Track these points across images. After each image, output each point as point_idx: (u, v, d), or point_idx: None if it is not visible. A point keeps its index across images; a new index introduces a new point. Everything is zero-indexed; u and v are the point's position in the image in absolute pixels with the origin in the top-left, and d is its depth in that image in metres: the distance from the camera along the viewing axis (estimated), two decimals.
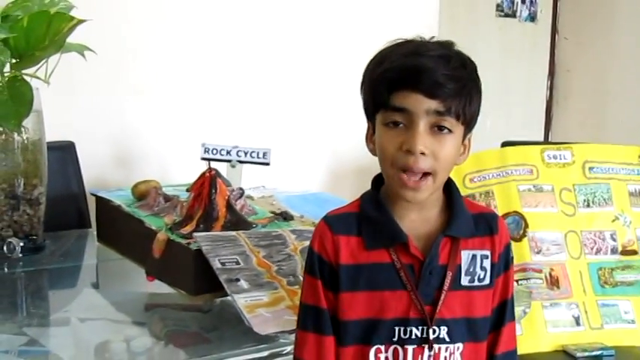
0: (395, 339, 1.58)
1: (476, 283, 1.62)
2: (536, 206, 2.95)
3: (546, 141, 4.12)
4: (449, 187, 1.63)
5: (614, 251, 2.94)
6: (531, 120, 4.51)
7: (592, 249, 2.93)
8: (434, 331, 1.58)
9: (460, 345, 1.61)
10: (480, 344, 1.64)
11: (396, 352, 1.58)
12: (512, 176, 2.98)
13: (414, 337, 1.58)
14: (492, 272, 1.64)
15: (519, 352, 2.64)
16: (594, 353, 2.71)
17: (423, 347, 1.58)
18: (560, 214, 2.94)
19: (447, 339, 1.59)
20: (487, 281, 1.63)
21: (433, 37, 1.59)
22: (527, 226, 2.90)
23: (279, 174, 2.96)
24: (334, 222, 1.61)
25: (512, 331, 1.73)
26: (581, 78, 4.52)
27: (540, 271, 2.86)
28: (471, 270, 1.62)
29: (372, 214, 1.60)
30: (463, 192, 2.92)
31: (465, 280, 1.61)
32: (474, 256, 1.62)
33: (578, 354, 2.70)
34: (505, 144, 3.16)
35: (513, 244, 2.83)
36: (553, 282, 2.88)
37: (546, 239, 2.91)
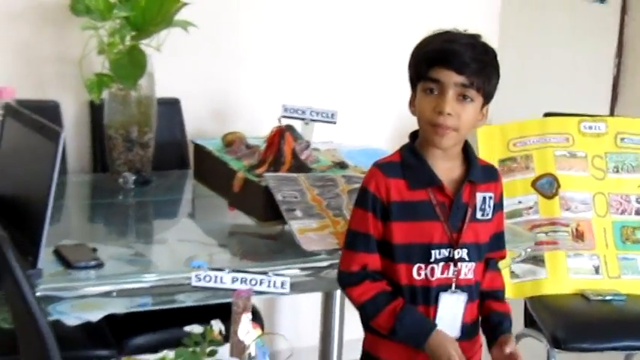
0: (431, 259, 2.07)
1: (484, 217, 2.12)
2: (570, 169, 3.29)
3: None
4: (466, 145, 2.13)
5: (638, 213, 3.30)
6: (598, 97, 4.54)
7: (617, 209, 3.29)
8: (458, 252, 2.08)
9: (473, 264, 2.11)
10: (481, 263, 2.15)
11: (432, 269, 2.07)
12: (550, 143, 3.33)
13: (443, 257, 2.07)
14: (493, 209, 2.14)
15: (543, 292, 3.10)
16: (607, 298, 3.10)
17: (449, 264, 2.07)
18: (590, 177, 3.30)
19: (467, 258, 2.09)
20: (490, 216, 2.14)
21: (466, 29, 2.08)
22: (559, 186, 3.27)
23: (350, 132, 3.36)
24: (385, 168, 2.10)
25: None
26: None
27: (567, 225, 3.23)
28: (483, 207, 2.12)
29: (412, 163, 2.09)
30: (506, 154, 3.36)
31: (478, 215, 2.11)
32: (484, 197, 2.13)
33: (592, 297, 3.09)
34: (547, 114, 3.46)
35: (545, 201, 3.28)
36: (578, 235, 3.23)
37: (576, 198, 3.27)
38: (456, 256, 2.08)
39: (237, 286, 2.07)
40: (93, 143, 3.25)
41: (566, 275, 3.21)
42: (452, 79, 2.00)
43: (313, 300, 3.45)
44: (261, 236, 2.62)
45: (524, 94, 4.28)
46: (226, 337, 2.02)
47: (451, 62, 2.00)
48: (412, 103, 2.11)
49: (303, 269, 2.37)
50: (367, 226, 2.08)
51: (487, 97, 2.07)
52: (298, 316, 3.76)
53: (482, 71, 2.02)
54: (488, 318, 2.16)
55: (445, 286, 2.09)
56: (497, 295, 2.20)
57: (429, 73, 2.02)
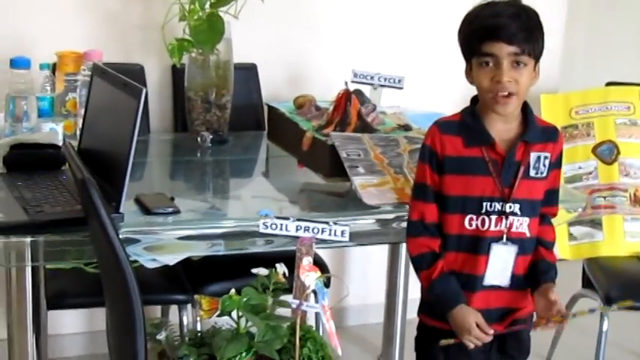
0: (483, 211, 2.24)
1: (538, 175, 2.27)
2: (630, 137, 3.41)
3: None
4: (525, 108, 2.28)
5: None
6: None
7: None
8: (510, 207, 2.24)
9: (527, 219, 2.26)
10: (536, 219, 2.30)
11: (483, 220, 2.25)
12: (612, 111, 3.45)
13: (496, 210, 2.24)
14: (549, 168, 2.28)
15: (600, 254, 3.22)
16: None
17: (502, 217, 2.24)
18: None
19: (519, 213, 2.25)
20: (544, 174, 2.28)
21: None
22: (619, 152, 3.38)
23: (418, 97, 3.49)
24: (443, 125, 2.29)
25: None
26: None
27: (626, 191, 3.35)
28: (537, 166, 2.27)
29: (470, 123, 2.27)
30: (568, 122, 3.49)
31: (532, 172, 2.27)
32: (539, 156, 2.28)
33: None
34: (609, 84, 3.56)
35: (604, 167, 3.40)
36: (636, 200, 3.34)
37: (635, 165, 3.38)
38: (508, 210, 2.23)
39: (300, 233, 2.24)
40: (174, 104, 3.43)
41: (623, 238, 3.34)
42: (504, 50, 2.16)
43: (381, 259, 3.62)
44: (329, 193, 2.76)
45: (594, 65, 4.35)
46: (290, 285, 2.22)
47: (500, 35, 2.15)
48: (468, 74, 2.27)
49: (369, 221, 2.53)
50: (425, 177, 2.27)
51: (537, 57, 2.22)
52: (367, 275, 3.93)
53: (531, 37, 2.18)
54: (536, 264, 2.31)
55: (498, 238, 2.25)
56: (547, 244, 2.35)
57: (482, 48, 2.18)
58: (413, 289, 3.29)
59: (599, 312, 3.03)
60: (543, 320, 2.24)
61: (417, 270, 2.32)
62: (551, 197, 2.36)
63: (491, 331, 2.22)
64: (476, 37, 2.20)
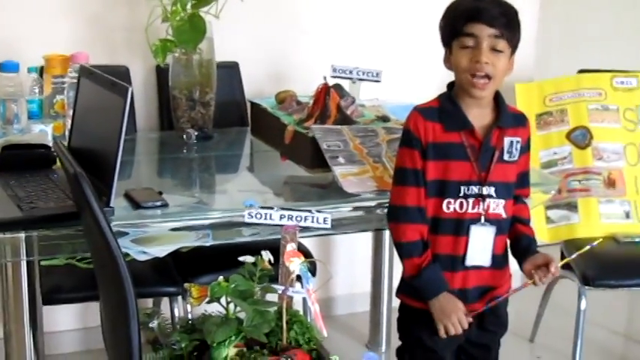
0: (460, 194, 2.34)
1: (511, 159, 2.38)
2: (602, 122, 3.51)
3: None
4: (497, 96, 2.38)
5: None
6: None
7: None
8: (486, 189, 2.34)
9: (503, 201, 2.37)
10: (510, 201, 2.40)
11: (461, 204, 2.35)
12: (584, 97, 3.56)
13: (473, 193, 2.34)
14: (520, 152, 2.38)
15: (577, 236, 3.31)
16: (637, 240, 3.33)
17: (479, 200, 2.34)
18: (622, 129, 3.51)
19: (495, 195, 2.36)
20: (516, 158, 2.39)
21: None
22: (592, 137, 3.49)
23: (396, 90, 3.55)
24: (425, 112, 2.38)
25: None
26: None
27: (600, 174, 3.46)
28: (510, 150, 2.38)
29: (449, 109, 2.36)
30: (542, 109, 3.60)
31: (506, 156, 2.37)
32: (512, 141, 2.38)
33: (622, 239, 3.32)
34: (581, 71, 3.67)
35: (579, 152, 3.50)
36: (610, 183, 3.44)
37: (608, 149, 3.48)
38: (485, 193, 2.33)
39: (284, 222, 2.33)
40: (159, 103, 3.52)
41: (598, 220, 3.44)
42: (485, 32, 2.26)
43: (366, 249, 3.71)
44: (312, 185, 2.84)
45: (567, 54, 4.43)
46: (276, 273, 2.29)
47: (483, 17, 2.26)
48: (447, 60, 2.37)
49: (350, 209, 2.61)
50: (415, 163, 2.34)
51: (514, 48, 2.33)
52: (353, 265, 4.03)
53: (510, 23, 2.29)
54: (518, 240, 2.43)
55: (476, 220, 2.35)
56: (524, 221, 2.46)
57: (464, 28, 2.28)
58: (397, 276, 3.37)
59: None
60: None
61: (407, 256, 2.38)
62: (524, 179, 2.46)
63: (470, 319, 2.35)
64: (458, 19, 2.30)
